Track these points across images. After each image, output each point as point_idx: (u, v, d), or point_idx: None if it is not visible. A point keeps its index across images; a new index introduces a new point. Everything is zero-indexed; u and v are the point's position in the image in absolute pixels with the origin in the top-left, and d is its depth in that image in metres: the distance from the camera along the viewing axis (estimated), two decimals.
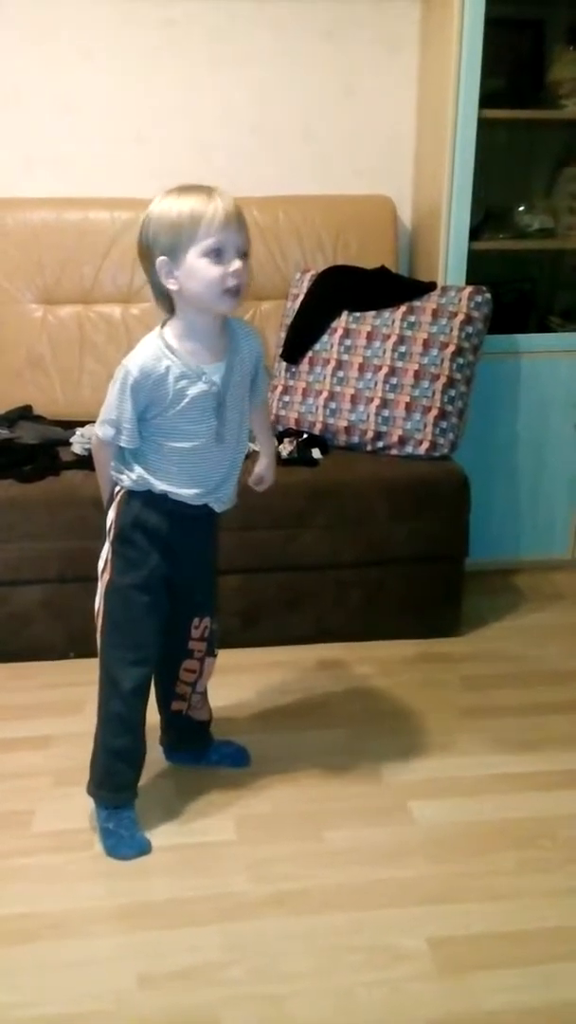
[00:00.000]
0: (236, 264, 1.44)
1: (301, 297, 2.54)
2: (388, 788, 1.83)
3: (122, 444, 1.53)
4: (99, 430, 1.56)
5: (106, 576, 1.63)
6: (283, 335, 2.55)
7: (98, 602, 1.65)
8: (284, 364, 2.52)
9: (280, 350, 2.54)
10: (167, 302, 1.52)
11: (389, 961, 1.43)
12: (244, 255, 1.46)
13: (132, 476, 1.57)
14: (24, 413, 2.54)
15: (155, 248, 1.45)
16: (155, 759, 1.83)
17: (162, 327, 1.54)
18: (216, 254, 1.43)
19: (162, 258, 1.45)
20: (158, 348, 1.51)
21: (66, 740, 1.97)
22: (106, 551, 1.62)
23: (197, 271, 1.43)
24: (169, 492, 1.57)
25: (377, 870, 1.62)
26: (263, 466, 1.82)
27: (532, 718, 2.07)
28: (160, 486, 1.57)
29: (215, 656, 1.78)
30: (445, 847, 1.67)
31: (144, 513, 1.59)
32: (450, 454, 2.37)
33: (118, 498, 1.61)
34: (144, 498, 1.59)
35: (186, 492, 1.58)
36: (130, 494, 1.59)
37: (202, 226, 1.41)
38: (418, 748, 1.96)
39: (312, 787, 1.83)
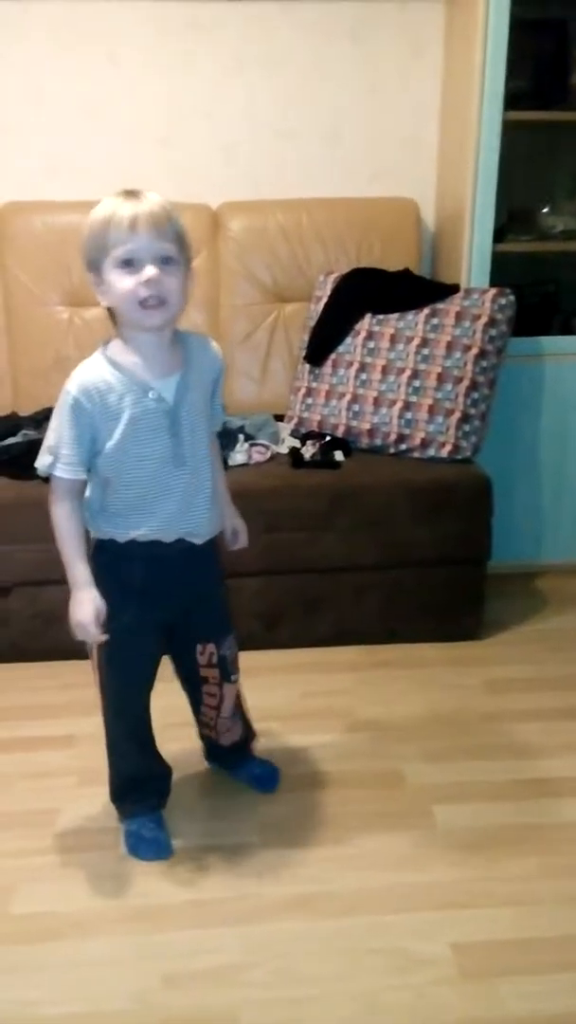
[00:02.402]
0: (150, 275, 1.32)
1: (324, 299, 2.55)
2: (410, 792, 1.83)
3: (59, 473, 1.41)
4: (38, 462, 1.44)
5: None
6: (306, 337, 2.56)
7: (89, 649, 1.61)
8: (307, 366, 2.52)
9: (304, 352, 2.55)
10: (110, 311, 1.43)
11: (411, 965, 1.43)
12: (168, 261, 1.35)
13: (99, 529, 1.50)
14: (50, 414, 2.55)
15: (84, 263, 1.39)
16: (183, 760, 1.83)
17: (106, 345, 1.45)
18: (127, 264, 1.33)
19: (89, 275, 1.38)
20: (99, 364, 1.41)
21: (90, 740, 1.97)
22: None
23: (113, 285, 1.35)
24: (137, 537, 1.47)
25: (399, 874, 1.62)
26: (228, 517, 1.65)
27: (555, 723, 2.06)
28: (126, 535, 1.47)
29: (233, 682, 1.71)
30: (468, 851, 1.67)
31: (114, 565, 1.50)
32: (472, 457, 2.37)
33: (92, 548, 1.52)
34: (113, 550, 1.50)
35: (152, 529, 1.47)
36: (99, 545, 1.51)
37: (110, 235, 1.32)
38: (440, 752, 1.95)
39: (334, 790, 1.84)
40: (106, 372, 1.41)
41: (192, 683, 1.71)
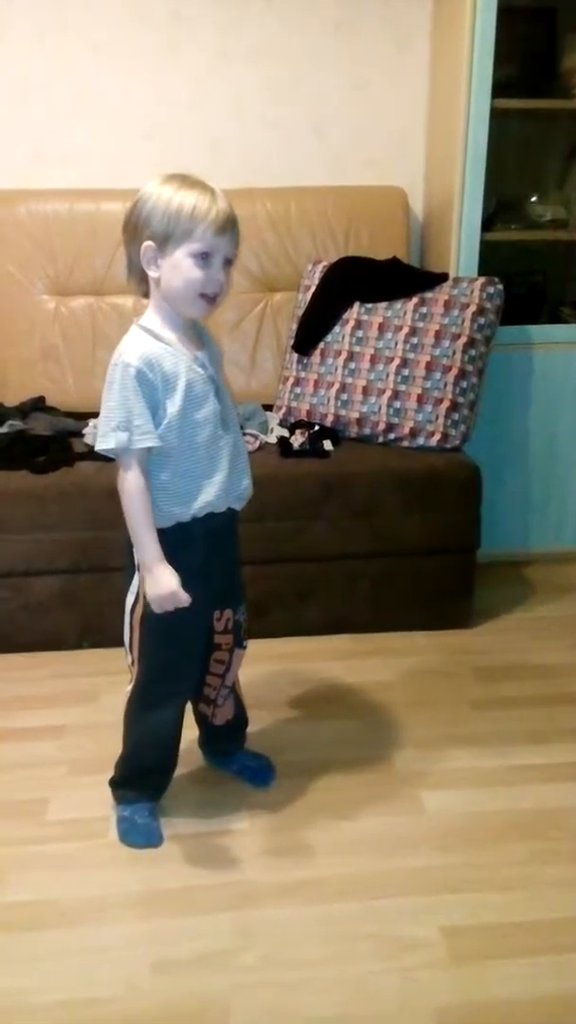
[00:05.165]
0: (219, 274, 1.43)
1: (313, 289, 2.54)
2: (400, 778, 1.84)
3: (137, 444, 1.42)
4: (108, 443, 1.43)
5: (138, 611, 1.57)
6: (295, 327, 2.55)
7: (128, 632, 1.60)
8: (296, 356, 2.52)
9: (292, 342, 2.54)
10: (142, 284, 1.48)
11: (401, 950, 1.44)
12: (229, 263, 1.45)
13: (162, 512, 1.50)
14: (37, 404, 2.55)
15: (144, 231, 1.42)
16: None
17: (138, 321, 1.49)
18: (204, 258, 1.41)
19: (150, 243, 1.42)
20: (146, 338, 1.46)
21: (80, 730, 1.99)
22: (136, 584, 1.56)
23: (181, 269, 1.41)
24: (198, 512, 1.51)
25: (389, 859, 1.62)
26: None
27: (543, 709, 2.07)
28: (192, 507, 1.50)
29: (244, 648, 1.74)
30: (456, 837, 1.68)
31: (178, 552, 1.50)
32: (461, 446, 2.37)
33: None
34: (174, 534, 1.51)
35: (214, 495, 1.51)
36: (162, 534, 1.50)
37: (199, 228, 1.38)
38: (429, 739, 1.96)
39: (324, 777, 1.84)
40: (155, 344, 1.46)
41: (203, 652, 1.71)
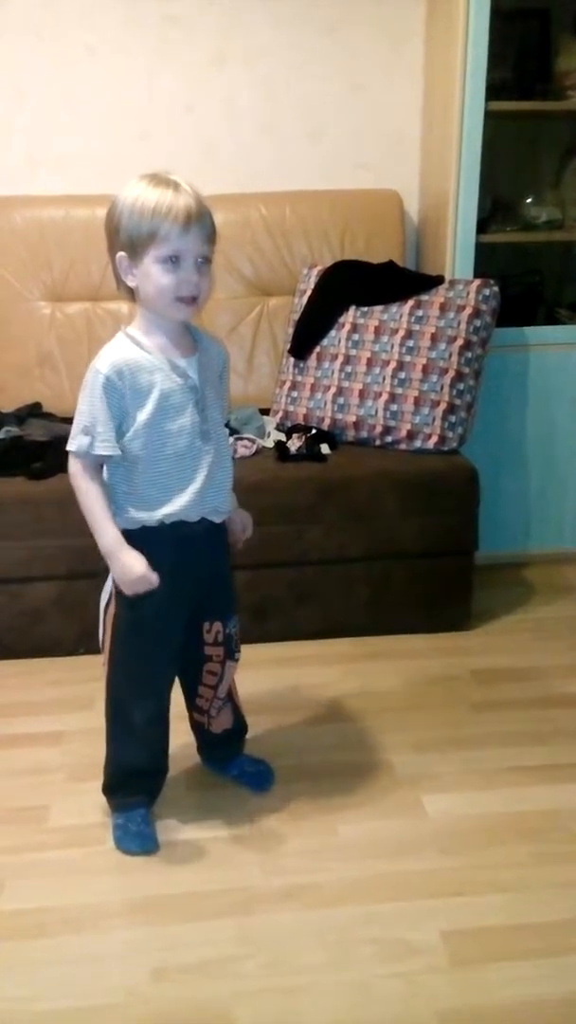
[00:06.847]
0: (192, 275, 1.41)
1: (308, 293, 2.54)
2: (400, 782, 1.83)
3: (98, 451, 1.45)
4: (71, 445, 1.47)
5: (111, 609, 1.59)
6: (291, 331, 2.55)
7: (102, 633, 1.61)
8: (292, 360, 2.52)
9: (288, 346, 2.54)
10: (128, 291, 1.49)
11: (402, 954, 1.43)
12: (205, 260, 1.43)
13: (126, 515, 1.51)
14: (33, 410, 2.55)
15: (117, 240, 1.43)
16: (172, 754, 1.83)
17: (126, 328, 1.51)
18: (173, 261, 1.40)
19: (121, 254, 1.43)
20: (126, 345, 1.47)
21: (79, 736, 1.98)
22: (110, 583, 1.57)
23: (151, 276, 1.41)
24: (166, 517, 1.51)
25: (390, 863, 1.62)
26: (235, 513, 1.67)
27: (544, 711, 2.07)
28: (156, 517, 1.51)
29: (236, 660, 1.73)
30: (458, 840, 1.67)
31: (143, 551, 1.50)
32: (459, 448, 2.37)
33: None
34: (141, 536, 1.51)
35: (182, 507, 1.51)
36: (126, 534, 1.51)
37: (162, 228, 1.37)
38: (430, 742, 1.96)
39: (324, 782, 1.84)
40: (134, 351, 1.46)
41: (192, 663, 1.71)
